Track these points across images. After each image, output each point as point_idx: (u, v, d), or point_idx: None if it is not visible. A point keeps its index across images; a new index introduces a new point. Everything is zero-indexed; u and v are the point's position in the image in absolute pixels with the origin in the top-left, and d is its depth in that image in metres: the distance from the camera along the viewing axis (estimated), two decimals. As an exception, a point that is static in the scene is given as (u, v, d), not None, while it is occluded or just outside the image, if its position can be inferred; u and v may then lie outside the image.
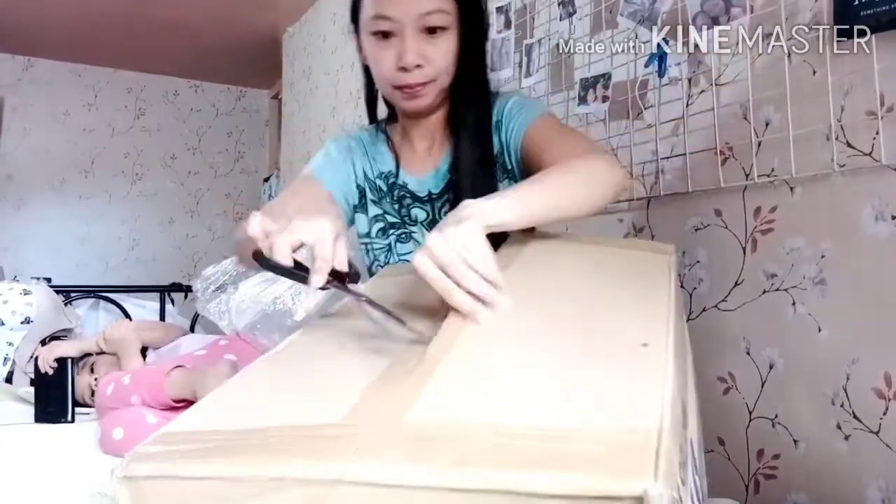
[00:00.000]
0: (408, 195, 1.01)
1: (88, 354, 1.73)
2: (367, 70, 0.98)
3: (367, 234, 1.03)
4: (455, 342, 0.49)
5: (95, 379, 1.65)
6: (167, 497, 0.38)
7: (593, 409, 0.37)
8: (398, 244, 1.02)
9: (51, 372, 1.52)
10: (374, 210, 1.02)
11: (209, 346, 1.57)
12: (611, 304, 0.58)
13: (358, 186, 1.03)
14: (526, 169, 0.91)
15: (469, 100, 0.94)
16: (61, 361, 1.54)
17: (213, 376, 1.17)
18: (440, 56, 0.88)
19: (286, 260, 0.57)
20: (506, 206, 0.64)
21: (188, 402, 1.21)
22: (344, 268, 0.59)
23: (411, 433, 0.37)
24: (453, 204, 0.90)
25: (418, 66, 0.87)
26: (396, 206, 1.01)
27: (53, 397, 1.48)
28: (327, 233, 0.58)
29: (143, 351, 1.73)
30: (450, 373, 0.44)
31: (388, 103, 1.02)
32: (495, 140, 0.96)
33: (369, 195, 1.03)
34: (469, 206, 0.62)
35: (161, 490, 0.38)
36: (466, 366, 0.46)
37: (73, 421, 1.46)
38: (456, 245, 0.55)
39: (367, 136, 1.06)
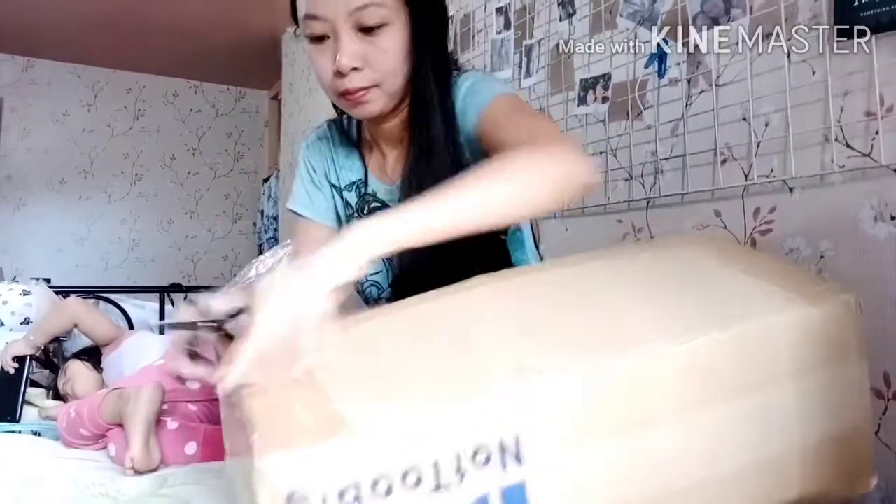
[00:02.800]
0: (378, 205, 0.90)
1: (47, 350, 1.68)
2: None
3: None
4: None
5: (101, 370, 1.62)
6: None
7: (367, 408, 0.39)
8: None
9: (12, 371, 1.50)
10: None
11: (167, 353, 1.44)
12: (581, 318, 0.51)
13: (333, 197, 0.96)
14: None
15: (427, 101, 0.82)
16: (21, 360, 1.52)
17: (141, 399, 1.09)
18: (381, 57, 0.77)
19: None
20: (394, 229, 0.54)
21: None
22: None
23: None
24: None
25: (355, 69, 0.76)
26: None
27: (4, 395, 1.46)
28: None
29: (97, 356, 1.68)
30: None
31: None
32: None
33: (339, 209, 0.95)
34: (344, 238, 0.53)
35: None
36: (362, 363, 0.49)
37: (18, 420, 1.43)
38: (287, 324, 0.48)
39: (337, 136, 0.96)
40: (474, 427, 0.37)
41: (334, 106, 0.91)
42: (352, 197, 0.94)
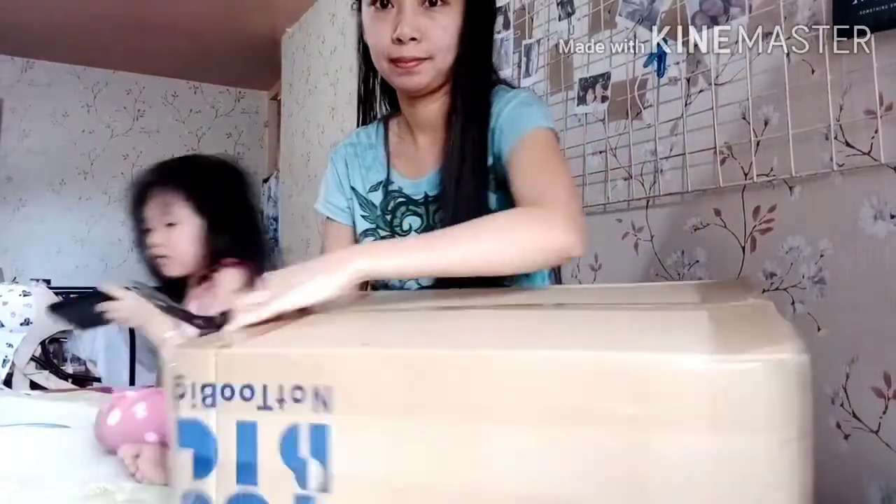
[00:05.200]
0: (403, 201, 0.93)
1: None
2: (365, 57, 0.93)
3: None
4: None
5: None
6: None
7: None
8: None
9: None
10: (364, 224, 0.97)
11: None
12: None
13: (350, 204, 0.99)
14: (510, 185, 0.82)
15: (470, 90, 0.87)
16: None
17: None
18: (438, 32, 0.83)
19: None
20: (386, 255, 0.65)
21: None
22: None
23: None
24: (442, 210, 0.86)
25: (413, 39, 0.82)
26: (389, 218, 0.94)
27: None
28: None
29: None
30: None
31: (388, 91, 0.97)
32: (491, 146, 0.87)
33: (359, 210, 0.97)
34: (341, 255, 0.64)
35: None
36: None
37: None
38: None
39: (364, 139, 1.00)
40: (296, 370, 0.47)
41: (360, 104, 0.98)
42: (377, 197, 0.96)
